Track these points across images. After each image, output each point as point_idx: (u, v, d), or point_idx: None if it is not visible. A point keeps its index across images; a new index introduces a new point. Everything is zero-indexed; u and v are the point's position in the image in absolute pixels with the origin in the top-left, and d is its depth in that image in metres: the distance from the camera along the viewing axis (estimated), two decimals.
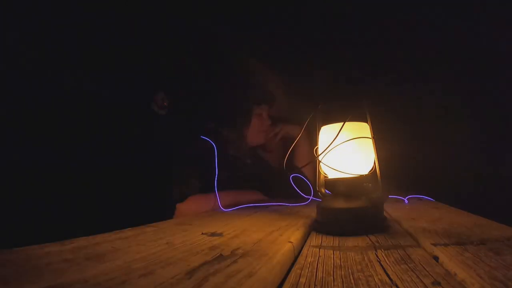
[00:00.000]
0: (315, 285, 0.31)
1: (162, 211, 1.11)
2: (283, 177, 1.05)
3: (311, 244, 0.50)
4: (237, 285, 0.28)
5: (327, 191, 0.66)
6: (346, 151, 0.61)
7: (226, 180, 1.23)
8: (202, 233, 0.53)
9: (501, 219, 0.55)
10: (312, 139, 0.71)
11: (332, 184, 0.63)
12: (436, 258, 0.38)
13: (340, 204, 0.58)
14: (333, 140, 0.60)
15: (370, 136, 0.62)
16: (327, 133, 0.64)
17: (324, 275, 0.34)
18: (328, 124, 0.65)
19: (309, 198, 1.01)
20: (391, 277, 0.32)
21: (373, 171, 0.61)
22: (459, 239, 0.44)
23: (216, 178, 1.05)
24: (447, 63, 1.51)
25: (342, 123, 0.60)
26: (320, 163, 0.64)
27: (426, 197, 1.03)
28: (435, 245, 0.41)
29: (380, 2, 1.55)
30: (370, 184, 0.61)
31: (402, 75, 1.55)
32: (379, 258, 0.39)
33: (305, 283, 0.32)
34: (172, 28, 1.67)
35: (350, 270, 0.35)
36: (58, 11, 1.43)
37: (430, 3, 1.50)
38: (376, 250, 0.43)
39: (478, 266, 0.32)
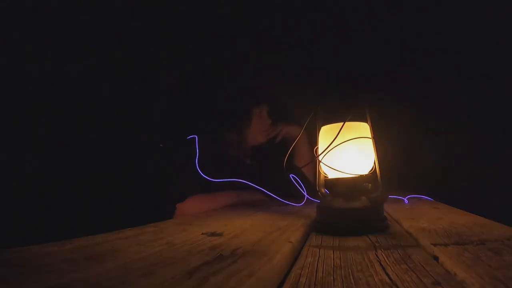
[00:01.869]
0: (315, 285, 0.31)
1: (162, 211, 1.11)
2: (282, 177, 1.05)
3: (311, 244, 0.49)
4: (237, 285, 0.28)
5: (326, 191, 0.66)
6: (346, 151, 0.61)
7: (227, 181, 1.23)
8: (202, 233, 0.53)
9: (501, 219, 0.55)
10: (312, 139, 0.71)
11: (332, 184, 0.63)
12: (436, 258, 0.38)
13: (340, 204, 0.58)
14: (333, 140, 0.60)
15: (370, 136, 0.62)
16: (327, 133, 0.64)
17: (324, 275, 0.34)
18: (328, 124, 0.65)
19: (302, 201, 1.00)
20: (391, 277, 0.32)
21: (373, 171, 0.61)
22: (459, 239, 0.44)
23: (197, 159, 1.15)
24: (448, 64, 1.51)
25: (342, 123, 0.60)
26: (320, 163, 0.64)
27: (426, 197, 1.03)
28: (435, 245, 0.41)
29: (380, 4, 1.55)
30: (370, 184, 0.61)
31: (402, 75, 1.55)
32: (379, 258, 0.39)
33: (305, 283, 0.32)
34: (173, 29, 1.67)
35: (350, 270, 0.35)
36: (58, 11, 1.43)
37: (430, 5, 1.50)
38: (376, 250, 0.43)
39: (478, 266, 0.32)
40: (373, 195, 0.59)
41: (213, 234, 0.52)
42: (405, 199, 0.98)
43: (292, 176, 0.97)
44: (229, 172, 1.25)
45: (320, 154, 0.63)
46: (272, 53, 1.59)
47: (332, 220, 0.58)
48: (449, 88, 1.50)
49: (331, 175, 0.64)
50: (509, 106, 1.41)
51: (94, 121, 1.50)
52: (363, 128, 0.63)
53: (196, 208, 1.09)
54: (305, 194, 0.98)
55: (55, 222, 1.28)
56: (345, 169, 0.60)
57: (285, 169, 0.75)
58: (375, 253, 0.41)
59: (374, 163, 0.61)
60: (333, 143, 0.60)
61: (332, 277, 0.33)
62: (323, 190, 0.66)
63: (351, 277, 0.33)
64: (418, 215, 0.68)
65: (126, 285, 0.28)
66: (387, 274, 0.33)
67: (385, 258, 0.39)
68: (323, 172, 0.66)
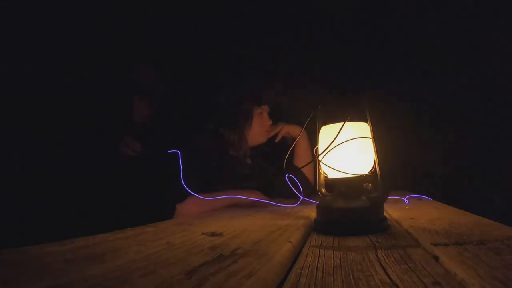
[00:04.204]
0: (315, 285, 0.31)
1: (162, 211, 1.11)
2: (282, 177, 1.05)
3: (311, 244, 0.49)
4: (237, 285, 0.28)
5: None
6: (346, 151, 0.61)
7: (226, 180, 1.23)
8: (202, 233, 0.53)
9: (501, 219, 0.55)
10: (312, 139, 0.71)
11: (332, 184, 0.63)
12: (436, 258, 0.38)
13: (340, 204, 0.58)
14: (333, 140, 0.60)
15: (370, 136, 0.62)
16: (327, 133, 0.64)
17: (324, 275, 0.34)
18: (328, 124, 0.65)
19: (298, 200, 0.99)
20: (391, 277, 0.32)
21: (373, 171, 0.61)
22: (459, 239, 0.44)
23: (181, 175, 1.11)
24: (448, 62, 1.51)
25: (342, 123, 0.60)
26: (320, 163, 0.64)
27: (426, 197, 1.03)
28: (435, 245, 0.41)
29: (379, 4, 1.55)
30: (370, 184, 0.61)
31: (402, 75, 1.55)
32: (379, 258, 0.39)
33: (305, 283, 0.32)
34: (174, 30, 1.67)
35: (350, 270, 0.35)
36: (56, 12, 1.43)
37: (430, 7, 1.50)
38: (376, 250, 0.43)
39: (478, 266, 0.32)
40: (373, 195, 0.59)
41: (213, 234, 0.52)
42: (405, 199, 0.98)
43: (288, 176, 0.97)
44: (229, 173, 1.25)
45: (320, 154, 0.63)
46: (272, 54, 1.59)
47: (332, 220, 0.58)
48: (450, 88, 1.50)
49: (331, 175, 0.64)
50: (509, 106, 1.41)
51: (94, 121, 1.50)
52: (363, 128, 0.63)
53: (196, 208, 1.09)
54: (300, 195, 0.97)
55: (55, 222, 1.28)
56: (345, 169, 0.60)
57: (285, 169, 0.75)
58: (375, 253, 0.41)
59: (374, 163, 0.61)
60: (333, 143, 0.60)
61: (332, 277, 0.33)
62: (323, 190, 0.66)
63: (351, 277, 0.33)
64: (418, 215, 0.68)
65: (126, 285, 0.28)
66: (387, 274, 0.33)
67: (385, 258, 0.39)
68: (323, 172, 0.66)
